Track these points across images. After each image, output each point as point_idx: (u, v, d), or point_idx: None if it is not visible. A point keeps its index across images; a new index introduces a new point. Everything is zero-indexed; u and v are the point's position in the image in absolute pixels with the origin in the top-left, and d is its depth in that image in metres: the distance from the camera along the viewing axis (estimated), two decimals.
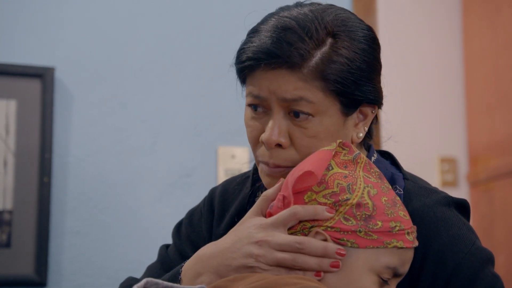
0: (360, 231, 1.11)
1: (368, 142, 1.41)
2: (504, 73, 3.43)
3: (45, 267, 2.19)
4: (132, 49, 2.38)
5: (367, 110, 1.33)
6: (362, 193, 1.13)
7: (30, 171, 2.22)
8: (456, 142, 3.78)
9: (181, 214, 2.42)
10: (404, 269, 1.16)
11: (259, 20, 1.39)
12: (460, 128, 3.79)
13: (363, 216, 1.12)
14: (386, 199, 1.15)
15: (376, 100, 1.33)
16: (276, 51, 1.26)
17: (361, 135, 1.34)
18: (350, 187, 1.14)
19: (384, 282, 1.14)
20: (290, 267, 1.13)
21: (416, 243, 1.18)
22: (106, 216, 2.29)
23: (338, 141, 1.20)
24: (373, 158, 1.39)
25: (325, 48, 1.27)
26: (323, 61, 1.26)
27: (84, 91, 2.31)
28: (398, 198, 1.19)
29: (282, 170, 1.29)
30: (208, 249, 1.21)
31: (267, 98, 1.29)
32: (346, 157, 1.18)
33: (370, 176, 1.17)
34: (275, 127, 1.28)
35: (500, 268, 3.23)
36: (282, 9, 1.36)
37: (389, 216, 1.13)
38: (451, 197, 1.32)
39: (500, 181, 3.44)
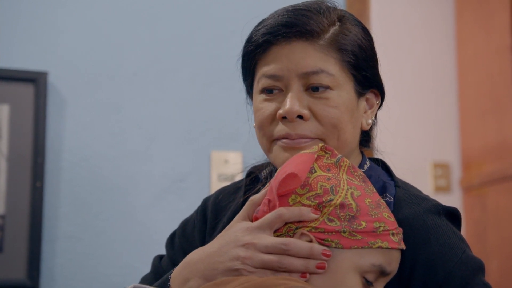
0: (344, 232, 1.11)
1: (366, 145, 1.43)
2: (498, 78, 3.44)
3: (37, 272, 2.18)
4: (126, 54, 2.37)
5: (373, 99, 1.37)
6: (346, 194, 1.14)
7: (23, 175, 2.21)
8: (449, 147, 3.79)
9: (174, 219, 2.42)
10: (392, 267, 1.16)
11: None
12: (454, 133, 3.80)
13: (347, 216, 1.12)
14: (370, 200, 1.15)
15: (381, 87, 1.37)
16: (294, 21, 1.28)
17: (370, 121, 1.36)
18: (334, 188, 1.14)
19: (368, 283, 1.14)
20: (276, 269, 1.13)
21: (403, 246, 1.18)
22: (100, 221, 2.28)
23: (320, 144, 1.21)
24: (365, 166, 1.39)
25: (336, 27, 1.31)
26: (337, 34, 1.29)
27: (77, 96, 2.31)
28: (382, 200, 1.19)
29: (306, 141, 1.28)
30: (195, 254, 1.22)
31: (284, 76, 1.29)
32: (329, 161, 1.18)
33: (353, 179, 1.18)
34: (294, 99, 1.28)
35: (493, 273, 3.24)
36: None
37: (373, 216, 1.13)
38: (442, 205, 1.31)
39: (493, 186, 3.45)
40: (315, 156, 1.18)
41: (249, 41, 1.36)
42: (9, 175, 2.21)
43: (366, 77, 1.33)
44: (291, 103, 1.27)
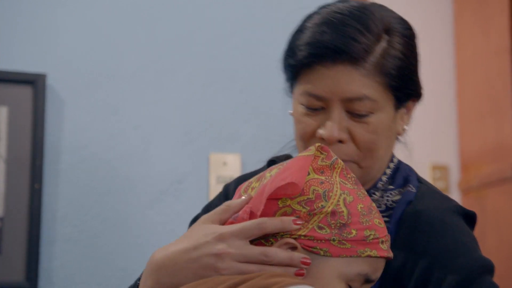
0: (334, 240, 1.10)
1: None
2: (496, 80, 3.44)
3: (36, 274, 2.18)
4: (124, 56, 2.37)
5: (410, 103, 1.37)
6: (338, 201, 1.11)
7: (21, 177, 2.21)
8: (448, 149, 3.79)
9: (172, 221, 2.42)
10: (376, 275, 1.15)
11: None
12: (452, 135, 3.80)
13: (338, 224, 1.10)
14: (362, 206, 1.13)
15: (420, 94, 1.38)
16: (340, 45, 1.25)
17: (406, 127, 1.38)
18: (326, 194, 1.12)
19: None
20: None
21: (391, 254, 1.17)
22: (98, 223, 2.28)
23: (316, 145, 1.18)
24: (395, 159, 1.41)
25: (383, 43, 1.28)
26: (383, 55, 1.27)
27: (76, 98, 2.31)
28: (374, 204, 1.18)
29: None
30: (159, 257, 1.15)
31: (327, 97, 1.28)
32: (323, 162, 1.16)
33: (346, 182, 1.15)
34: (335, 124, 1.28)
35: None
36: (325, 6, 1.34)
37: (364, 224, 1.12)
38: (462, 207, 1.33)
39: (492, 188, 3.45)
40: (312, 158, 1.16)
41: (291, 54, 1.33)
42: (7, 177, 2.20)
43: (408, 93, 1.33)
44: (331, 128, 1.27)
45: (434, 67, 3.80)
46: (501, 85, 3.40)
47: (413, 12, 3.82)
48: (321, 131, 1.29)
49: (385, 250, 1.14)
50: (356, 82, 1.26)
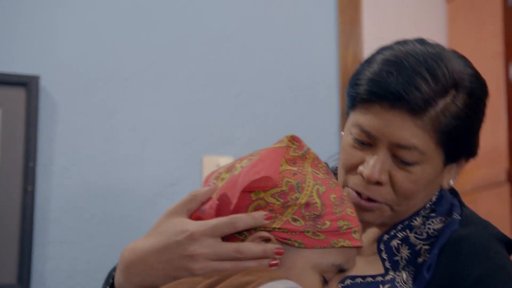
0: (308, 232, 1.10)
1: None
2: (490, 84, 3.44)
3: (28, 276, 2.18)
4: (119, 59, 2.37)
5: (462, 160, 1.33)
6: (311, 192, 1.11)
7: (14, 179, 2.21)
8: None
9: None
10: (349, 265, 1.15)
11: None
12: None
13: (312, 216, 1.10)
14: (334, 196, 1.13)
15: (474, 153, 1.33)
16: (401, 92, 1.22)
17: (452, 183, 1.34)
18: (299, 185, 1.11)
19: (325, 282, 1.13)
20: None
21: (363, 244, 1.17)
22: (91, 226, 2.28)
23: (288, 135, 1.17)
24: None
25: (447, 99, 1.24)
26: (444, 112, 1.24)
27: (69, 100, 2.31)
28: (345, 194, 1.17)
29: (374, 205, 1.28)
30: (129, 255, 1.14)
31: (377, 137, 1.26)
32: (295, 153, 1.15)
33: (318, 172, 1.15)
34: (378, 165, 1.26)
35: None
36: (401, 43, 1.31)
37: (337, 214, 1.12)
38: (504, 234, 1.33)
39: (485, 192, 3.46)
40: (285, 150, 1.15)
41: (354, 83, 1.30)
42: (0, 178, 2.20)
43: (461, 151, 1.31)
44: (373, 169, 1.26)
45: None
46: (494, 89, 3.41)
47: (407, 16, 3.83)
48: (362, 168, 1.28)
49: (357, 240, 1.14)
50: (409, 130, 1.23)
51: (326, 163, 1.21)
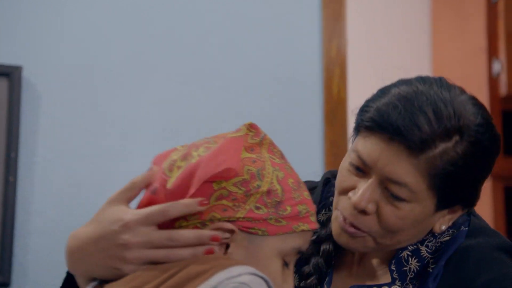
0: (270, 219, 1.10)
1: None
2: (471, 81, 3.46)
3: (9, 268, 2.17)
4: (102, 50, 2.37)
5: (459, 208, 1.32)
6: (272, 179, 1.12)
7: None
8: None
9: None
10: (306, 247, 1.17)
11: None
12: None
13: (273, 203, 1.11)
14: (292, 181, 1.15)
15: (471, 204, 1.32)
16: (401, 128, 1.22)
17: (444, 228, 1.32)
18: (260, 172, 1.12)
19: (286, 265, 1.15)
20: (163, 262, 1.10)
21: (318, 226, 1.19)
22: (73, 218, 2.27)
23: (246, 124, 1.17)
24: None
25: (449, 144, 1.23)
26: (442, 157, 1.22)
27: (53, 91, 2.30)
28: (299, 177, 1.18)
29: (358, 233, 1.29)
30: (72, 243, 1.16)
31: (371, 166, 1.26)
32: (253, 140, 1.15)
33: (274, 157, 1.16)
34: (367, 194, 1.26)
35: None
36: (420, 80, 1.30)
37: (296, 199, 1.13)
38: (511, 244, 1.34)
39: None
40: (244, 138, 1.15)
41: (362, 109, 1.31)
42: None
43: (456, 199, 1.29)
44: (361, 197, 1.26)
45: (412, 67, 3.82)
46: (477, 85, 3.43)
47: (391, 12, 3.84)
48: (352, 194, 1.28)
49: (314, 222, 1.16)
50: (402, 167, 1.23)
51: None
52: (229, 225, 1.10)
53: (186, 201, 1.09)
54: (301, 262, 1.40)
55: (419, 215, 1.27)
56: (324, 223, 1.42)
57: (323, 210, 1.44)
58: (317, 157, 2.49)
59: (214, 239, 1.09)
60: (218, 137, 1.18)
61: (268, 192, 1.11)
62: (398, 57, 3.82)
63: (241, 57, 2.47)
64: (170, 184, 1.13)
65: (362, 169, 1.29)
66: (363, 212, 1.27)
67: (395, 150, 1.23)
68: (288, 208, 1.12)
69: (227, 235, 1.10)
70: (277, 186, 1.12)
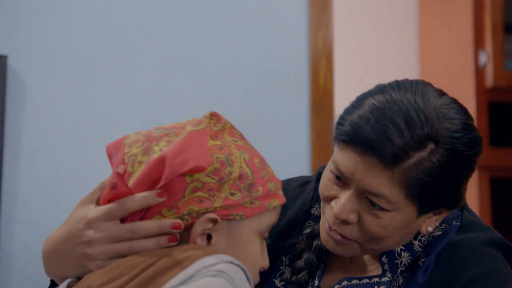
0: (245, 202, 1.12)
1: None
2: (458, 72, 3.47)
3: None
4: (88, 40, 2.36)
5: (443, 210, 1.32)
6: (240, 163, 1.13)
7: None
8: None
9: None
10: (277, 219, 1.20)
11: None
12: None
13: (246, 186, 1.13)
14: (257, 160, 1.16)
15: (455, 205, 1.32)
16: (373, 143, 1.22)
17: (430, 229, 1.33)
18: (228, 158, 1.13)
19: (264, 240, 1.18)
20: (128, 255, 1.11)
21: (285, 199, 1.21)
22: (58, 208, 2.27)
23: (207, 113, 1.17)
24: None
25: (423, 154, 1.22)
26: (417, 167, 1.22)
27: (38, 80, 2.29)
28: (261, 154, 1.20)
29: (341, 240, 1.30)
30: (45, 246, 1.19)
31: (349, 178, 1.27)
32: (216, 127, 1.16)
33: (237, 140, 1.17)
34: (347, 205, 1.27)
35: None
36: (395, 87, 1.29)
37: (265, 178, 1.15)
38: (503, 239, 1.34)
39: None
40: (208, 129, 1.15)
41: (339, 122, 1.30)
42: None
43: (437, 204, 1.29)
44: (341, 208, 1.27)
45: (398, 59, 3.83)
46: (463, 77, 3.44)
47: (378, 3, 3.84)
48: (334, 204, 1.30)
49: (282, 196, 1.19)
50: (378, 180, 1.23)
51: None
52: (213, 215, 1.11)
53: (144, 193, 1.10)
54: (293, 257, 1.41)
55: (401, 222, 1.28)
56: (318, 217, 1.43)
57: (316, 205, 1.45)
58: (304, 148, 2.49)
59: (175, 227, 1.10)
60: (177, 128, 1.18)
61: (240, 177, 1.12)
62: (385, 49, 3.82)
63: (225, 47, 2.47)
64: (133, 180, 1.13)
65: (342, 180, 1.29)
66: (345, 222, 1.29)
67: (370, 164, 1.24)
68: (260, 189, 1.14)
69: (209, 225, 1.11)
70: (247, 169, 1.13)
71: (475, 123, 1.32)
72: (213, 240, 1.12)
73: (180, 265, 1.03)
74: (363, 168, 1.24)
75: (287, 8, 2.55)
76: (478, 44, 3.38)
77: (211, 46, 2.46)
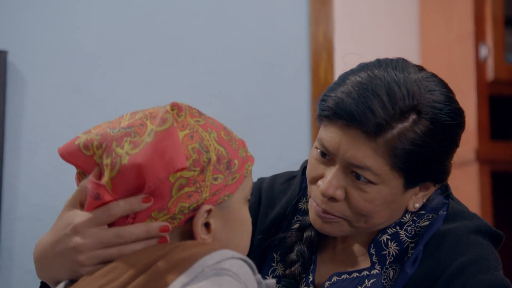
0: (228, 181, 1.13)
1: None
2: (459, 66, 3.47)
3: None
4: (86, 34, 2.35)
5: (430, 184, 1.33)
6: (213, 144, 1.12)
7: None
8: None
9: None
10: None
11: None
12: None
13: (225, 165, 1.12)
14: (223, 132, 1.15)
15: (442, 179, 1.33)
16: (355, 115, 1.24)
17: (417, 205, 1.34)
18: (202, 144, 1.11)
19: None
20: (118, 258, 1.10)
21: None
22: (58, 202, 2.26)
23: (167, 107, 1.14)
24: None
25: (406, 124, 1.25)
26: (400, 137, 1.24)
27: (37, 75, 2.29)
28: (220, 122, 1.18)
29: (332, 218, 1.31)
30: (36, 249, 1.18)
31: (334, 153, 1.28)
32: (180, 117, 1.14)
33: (199, 119, 1.15)
34: (334, 181, 1.28)
35: None
36: (378, 65, 1.32)
37: (235, 148, 1.15)
38: (490, 226, 1.35)
39: (454, 171, 3.47)
40: (175, 126, 1.12)
41: (322, 99, 1.32)
42: None
43: (423, 176, 1.30)
44: (328, 184, 1.29)
45: (399, 52, 3.82)
46: (464, 70, 3.44)
47: None
48: (320, 182, 1.31)
49: (251, 154, 1.18)
50: (362, 151, 1.25)
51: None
52: (208, 206, 1.11)
53: (129, 199, 1.08)
54: (285, 251, 1.41)
55: (388, 195, 1.29)
56: (306, 211, 1.43)
57: (304, 199, 1.46)
58: (305, 141, 2.49)
59: (163, 229, 1.08)
60: (136, 126, 1.14)
61: (218, 159, 1.12)
62: (385, 42, 3.82)
63: (225, 40, 2.46)
64: (110, 186, 1.10)
65: (328, 158, 1.31)
66: (333, 199, 1.30)
67: (354, 136, 1.26)
68: (236, 162, 1.14)
69: (205, 215, 1.11)
70: (220, 148, 1.13)
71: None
72: (212, 226, 1.11)
73: (180, 266, 1.02)
74: (347, 140, 1.26)
75: (288, 1, 2.54)
76: (479, 37, 3.37)
77: (210, 39, 2.45)
